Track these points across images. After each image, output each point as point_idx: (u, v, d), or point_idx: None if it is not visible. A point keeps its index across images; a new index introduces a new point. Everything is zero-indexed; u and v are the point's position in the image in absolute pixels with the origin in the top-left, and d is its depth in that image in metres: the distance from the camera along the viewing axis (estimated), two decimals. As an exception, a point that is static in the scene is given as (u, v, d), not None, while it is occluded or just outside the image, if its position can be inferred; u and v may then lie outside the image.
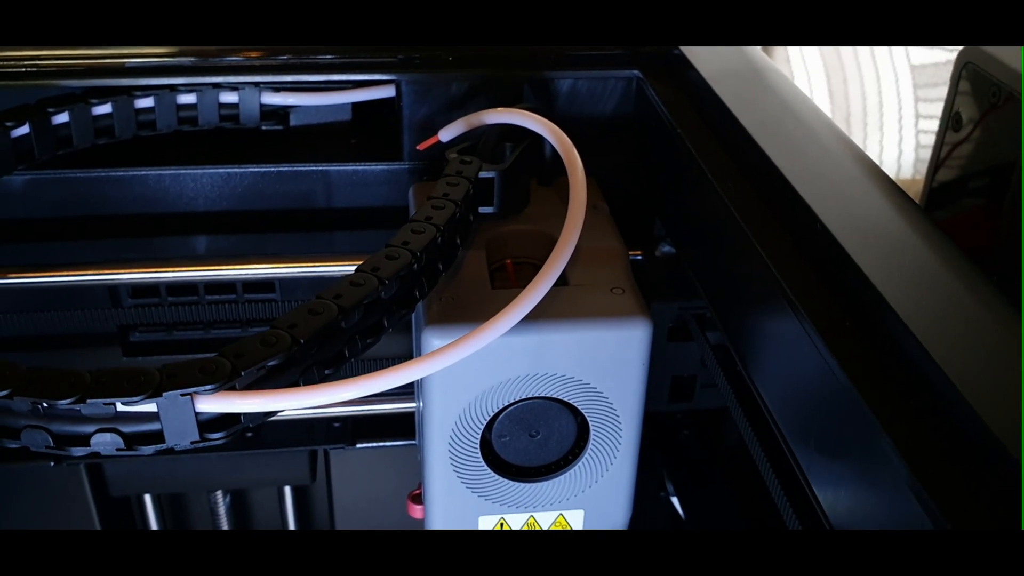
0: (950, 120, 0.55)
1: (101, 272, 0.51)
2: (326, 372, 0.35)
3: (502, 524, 0.46)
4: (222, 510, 0.71)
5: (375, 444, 0.60)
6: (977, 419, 0.27)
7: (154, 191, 0.54)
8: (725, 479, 0.59)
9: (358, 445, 0.60)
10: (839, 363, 0.31)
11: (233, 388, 0.31)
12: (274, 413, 0.32)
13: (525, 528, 0.47)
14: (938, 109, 1.10)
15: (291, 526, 0.73)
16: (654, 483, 0.61)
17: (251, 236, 0.56)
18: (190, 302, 0.57)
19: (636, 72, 0.53)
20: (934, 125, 1.13)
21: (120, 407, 0.31)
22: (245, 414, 0.32)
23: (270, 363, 0.32)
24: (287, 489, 0.71)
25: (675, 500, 0.61)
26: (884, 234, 0.37)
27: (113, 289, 0.56)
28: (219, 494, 0.70)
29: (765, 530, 0.49)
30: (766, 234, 0.39)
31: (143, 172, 0.53)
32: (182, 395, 0.30)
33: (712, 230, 0.44)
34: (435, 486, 0.45)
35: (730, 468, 0.59)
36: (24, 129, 0.49)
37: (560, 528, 0.47)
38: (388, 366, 0.58)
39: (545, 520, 0.47)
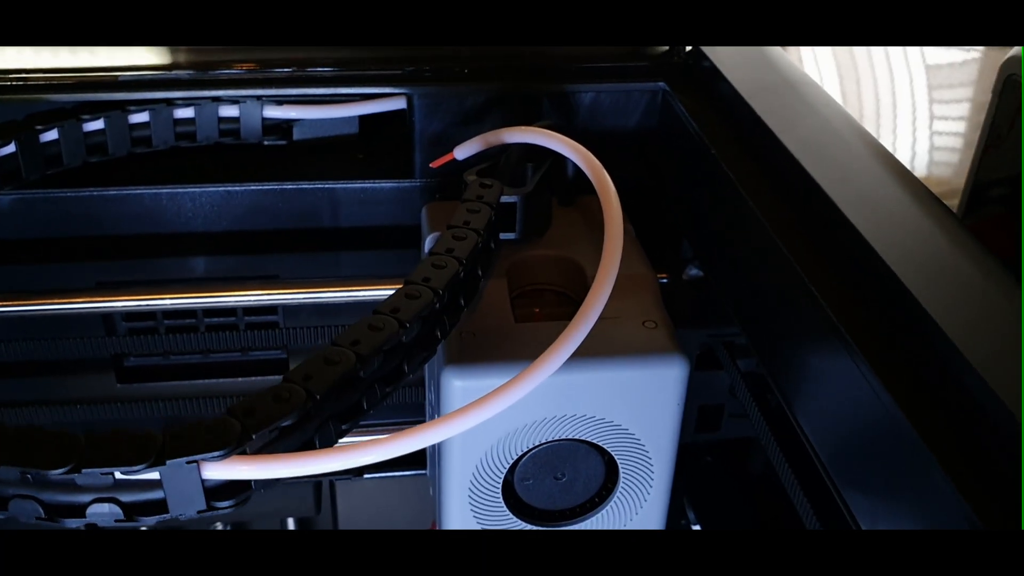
0: (991, 132, 0.53)
1: (94, 299, 0.48)
2: (343, 427, 0.32)
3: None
4: (221, 538, 0.68)
5: (384, 474, 0.57)
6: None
7: (150, 210, 0.51)
8: (748, 508, 0.57)
9: (365, 475, 0.57)
10: (889, 392, 0.30)
11: (243, 452, 0.28)
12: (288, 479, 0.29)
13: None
14: (953, 110, 1.08)
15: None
16: (675, 511, 0.58)
17: (253, 257, 0.53)
18: (188, 327, 0.54)
19: (662, 84, 0.50)
20: (949, 126, 1.11)
21: (119, 475, 0.28)
22: (256, 480, 0.29)
23: (284, 423, 0.29)
24: (290, 521, 0.68)
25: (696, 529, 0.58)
26: (935, 258, 0.34)
27: (107, 316, 0.53)
28: (218, 525, 0.67)
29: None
30: (809, 259, 0.36)
31: (138, 191, 0.50)
32: (188, 462, 0.27)
33: (748, 253, 0.41)
34: (452, 528, 0.42)
35: (753, 496, 0.57)
36: (10, 148, 0.46)
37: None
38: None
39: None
